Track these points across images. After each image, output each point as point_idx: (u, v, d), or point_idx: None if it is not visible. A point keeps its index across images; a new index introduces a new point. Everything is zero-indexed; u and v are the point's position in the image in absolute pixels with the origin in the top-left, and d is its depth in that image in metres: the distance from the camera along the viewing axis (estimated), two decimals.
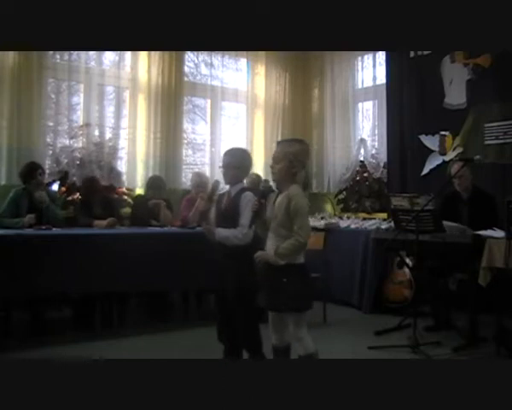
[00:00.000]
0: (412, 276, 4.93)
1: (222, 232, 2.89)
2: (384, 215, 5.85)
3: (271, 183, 3.05)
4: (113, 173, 5.64)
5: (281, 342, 2.74)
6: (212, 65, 6.52)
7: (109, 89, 5.89)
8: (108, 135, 5.78)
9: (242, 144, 6.39)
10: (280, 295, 2.59)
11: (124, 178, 5.83)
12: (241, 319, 2.90)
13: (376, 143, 6.51)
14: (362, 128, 6.78)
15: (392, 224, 4.63)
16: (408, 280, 4.99)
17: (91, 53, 5.66)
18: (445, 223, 3.98)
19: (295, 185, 2.67)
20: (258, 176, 5.53)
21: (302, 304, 2.64)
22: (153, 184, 5.24)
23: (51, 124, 5.48)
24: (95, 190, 4.85)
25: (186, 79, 6.35)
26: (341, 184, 6.73)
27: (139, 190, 5.84)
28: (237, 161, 2.98)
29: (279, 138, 6.88)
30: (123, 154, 5.89)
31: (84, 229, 4.42)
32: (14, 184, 4.80)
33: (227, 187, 3.08)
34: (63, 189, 5.24)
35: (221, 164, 3.05)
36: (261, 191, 2.78)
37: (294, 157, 2.67)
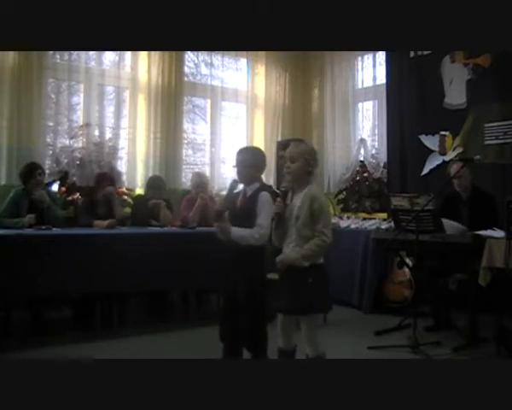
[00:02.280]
0: (412, 276, 4.93)
1: (238, 232, 2.79)
2: (384, 215, 5.85)
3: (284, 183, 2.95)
4: (113, 173, 5.64)
5: (288, 346, 2.70)
6: (212, 65, 6.52)
7: (109, 89, 5.89)
8: (108, 135, 5.78)
9: (242, 144, 6.40)
10: (305, 296, 2.53)
11: (124, 178, 5.83)
12: (251, 320, 2.85)
13: (376, 143, 6.51)
14: (362, 128, 6.78)
15: (392, 224, 4.63)
16: (408, 280, 4.99)
17: (91, 53, 5.66)
18: (445, 221, 3.98)
19: (313, 185, 2.66)
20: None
21: (326, 305, 2.63)
22: (153, 184, 5.24)
23: (51, 124, 5.48)
24: (111, 186, 4.84)
25: (186, 79, 6.35)
26: (341, 184, 6.73)
27: (139, 190, 5.84)
28: (248, 160, 2.91)
29: (279, 138, 6.89)
30: (123, 154, 5.89)
31: (84, 229, 4.42)
32: (14, 184, 4.80)
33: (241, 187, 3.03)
34: (63, 189, 5.24)
35: (234, 163, 2.96)
36: (283, 192, 2.73)
37: (310, 156, 2.66)
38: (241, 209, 2.88)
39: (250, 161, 2.91)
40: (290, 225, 2.63)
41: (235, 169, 2.94)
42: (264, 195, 2.86)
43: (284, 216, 2.64)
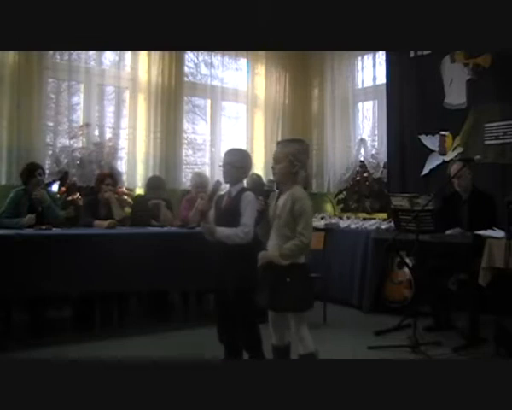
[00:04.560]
0: (412, 276, 4.93)
1: (223, 231, 2.88)
2: (384, 215, 5.85)
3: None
4: (114, 173, 5.63)
5: (281, 342, 2.75)
6: (212, 65, 6.51)
7: (109, 89, 5.88)
8: (108, 135, 5.78)
9: (242, 144, 6.41)
10: (283, 294, 2.61)
11: (124, 178, 5.83)
12: (242, 318, 2.90)
13: (376, 143, 6.50)
14: (362, 128, 6.78)
15: (392, 224, 4.63)
16: (408, 280, 4.99)
17: (91, 53, 5.66)
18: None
19: (298, 186, 2.70)
20: (258, 176, 5.53)
21: (305, 304, 2.66)
22: (153, 184, 5.24)
23: (51, 124, 5.48)
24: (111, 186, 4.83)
25: (186, 79, 6.34)
26: (341, 184, 6.73)
27: (139, 190, 5.84)
28: (237, 161, 3.00)
29: (279, 138, 6.88)
30: (123, 154, 5.89)
31: (84, 229, 4.43)
32: (14, 184, 4.80)
33: (227, 187, 3.09)
34: (63, 189, 5.24)
35: (221, 163, 3.07)
36: (265, 191, 2.80)
37: (294, 157, 2.71)
38: (226, 209, 2.96)
39: (238, 162, 3.00)
40: (273, 224, 2.70)
41: (222, 169, 3.02)
42: (248, 195, 2.94)
43: (267, 214, 2.73)
